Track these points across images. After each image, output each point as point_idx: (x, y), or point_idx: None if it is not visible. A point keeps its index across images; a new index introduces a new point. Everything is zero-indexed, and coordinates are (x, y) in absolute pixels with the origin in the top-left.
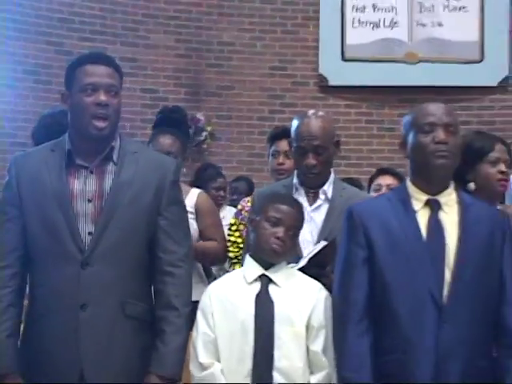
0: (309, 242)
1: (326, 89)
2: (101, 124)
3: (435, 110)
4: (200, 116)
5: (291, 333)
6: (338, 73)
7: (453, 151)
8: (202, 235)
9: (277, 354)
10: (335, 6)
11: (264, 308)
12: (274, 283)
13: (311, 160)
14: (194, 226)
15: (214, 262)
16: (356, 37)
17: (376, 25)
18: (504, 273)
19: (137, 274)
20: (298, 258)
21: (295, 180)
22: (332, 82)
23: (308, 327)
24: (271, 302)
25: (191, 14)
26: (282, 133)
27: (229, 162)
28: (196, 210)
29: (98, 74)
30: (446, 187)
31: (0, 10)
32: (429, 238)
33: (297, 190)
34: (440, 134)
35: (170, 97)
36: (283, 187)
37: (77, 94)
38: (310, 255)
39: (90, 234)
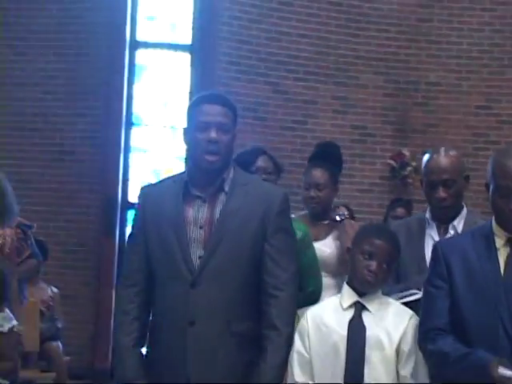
0: None
1: None
2: (211, 158)
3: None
4: (405, 152)
5: (381, 356)
6: None
7: None
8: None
9: (366, 375)
10: None
11: (356, 332)
12: (368, 310)
13: (441, 193)
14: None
15: None
16: None
17: None
18: None
19: (242, 294)
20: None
21: (427, 214)
22: None
23: (398, 352)
24: (363, 327)
25: (399, 56)
26: None
27: None
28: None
29: (212, 113)
30: None
31: (224, 54)
32: (506, 275)
33: (429, 224)
34: None
35: (377, 133)
36: (417, 221)
37: (192, 131)
38: (405, 299)
39: (200, 257)
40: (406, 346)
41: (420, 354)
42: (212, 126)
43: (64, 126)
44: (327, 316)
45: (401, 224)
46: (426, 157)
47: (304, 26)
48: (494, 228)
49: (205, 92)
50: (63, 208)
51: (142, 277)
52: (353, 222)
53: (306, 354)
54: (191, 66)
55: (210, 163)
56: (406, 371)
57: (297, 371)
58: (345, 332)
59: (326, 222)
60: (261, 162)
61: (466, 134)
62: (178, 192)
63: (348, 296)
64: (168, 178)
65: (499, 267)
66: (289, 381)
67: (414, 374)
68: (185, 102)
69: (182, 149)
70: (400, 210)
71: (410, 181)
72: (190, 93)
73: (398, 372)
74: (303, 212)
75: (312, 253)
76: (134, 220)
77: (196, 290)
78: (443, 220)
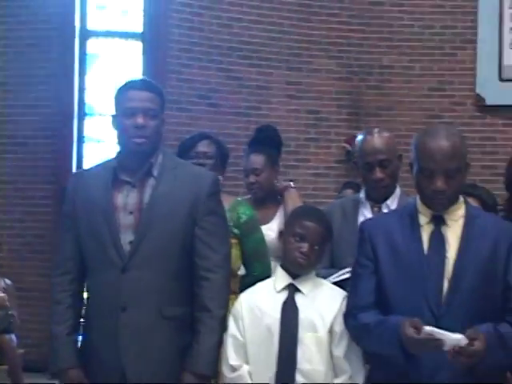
0: None
1: (484, 108)
2: (139, 140)
3: (437, 152)
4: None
5: (314, 338)
6: (495, 93)
7: (451, 197)
8: None
9: (300, 357)
10: (493, 28)
11: (289, 314)
12: (301, 292)
13: (378, 174)
14: None
15: None
16: None
17: None
18: (509, 283)
19: (175, 279)
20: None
21: (362, 194)
22: (489, 101)
23: (331, 333)
24: (296, 309)
25: (352, 40)
26: None
27: None
28: None
29: (138, 99)
30: (452, 205)
31: (176, 42)
32: (429, 252)
33: (362, 203)
34: (438, 183)
35: (331, 117)
36: (351, 202)
37: (120, 117)
38: (337, 279)
39: (130, 242)
40: (339, 327)
41: None
42: (139, 112)
43: (16, 117)
44: (261, 299)
45: (335, 205)
46: (360, 138)
47: (256, 12)
48: (419, 206)
49: (132, 78)
50: (18, 200)
51: (73, 264)
52: (293, 190)
53: (240, 337)
54: (143, 54)
55: (138, 145)
56: (338, 351)
57: (231, 354)
58: (278, 314)
59: (271, 206)
60: (201, 146)
61: (420, 116)
62: (107, 178)
63: (281, 278)
64: (98, 165)
65: (422, 244)
66: (223, 364)
67: (347, 354)
68: None
69: None
70: (349, 192)
71: None
72: None
73: (331, 353)
74: (247, 197)
75: (257, 237)
76: (63, 207)
77: (127, 275)
78: (378, 200)
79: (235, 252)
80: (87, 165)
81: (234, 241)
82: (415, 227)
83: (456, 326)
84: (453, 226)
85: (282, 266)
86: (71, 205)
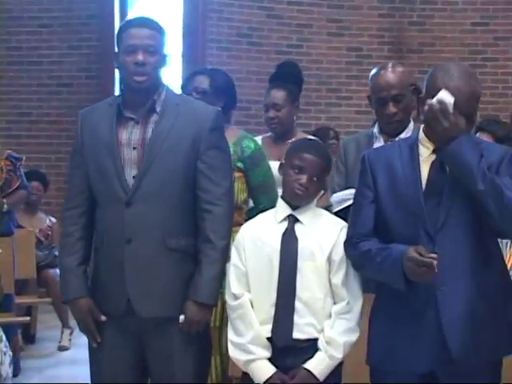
0: None
1: None
2: (139, 78)
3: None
4: None
5: (312, 266)
6: None
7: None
8: None
9: (299, 285)
10: None
11: (289, 244)
12: (301, 222)
13: (391, 108)
14: None
15: None
16: None
17: None
18: None
19: (178, 211)
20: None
21: (376, 129)
22: None
23: (330, 261)
24: (295, 239)
25: None
26: None
27: None
28: None
29: (139, 36)
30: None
31: None
32: (428, 182)
33: (376, 138)
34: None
35: (373, 54)
36: (366, 136)
37: (121, 54)
38: (342, 206)
39: (134, 177)
40: (337, 256)
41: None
42: (139, 49)
43: (60, 58)
44: (262, 230)
45: (350, 139)
46: (373, 73)
47: None
48: (421, 138)
49: (133, 16)
50: (63, 140)
51: (83, 198)
52: None
53: (242, 267)
54: None
55: (138, 83)
56: (336, 279)
57: (233, 283)
58: (278, 244)
59: (290, 141)
60: (195, 81)
61: (463, 52)
62: (111, 115)
63: (281, 209)
64: (104, 102)
65: (420, 176)
66: (226, 292)
67: (345, 282)
68: (178, 31)
69: (177, 77)
70: None
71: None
72: (183, 21)
73: (330, 281)
74: (268, 134)
75: (263, 170)
76: (74, 144)
77: (131, 208)
78: (391, 134)
79: (239, 185)
80: None
81: (238, 174)
82: (415, 158)
83: (451, 249)
84: None
85: (283, 198)
86: (79, 141)
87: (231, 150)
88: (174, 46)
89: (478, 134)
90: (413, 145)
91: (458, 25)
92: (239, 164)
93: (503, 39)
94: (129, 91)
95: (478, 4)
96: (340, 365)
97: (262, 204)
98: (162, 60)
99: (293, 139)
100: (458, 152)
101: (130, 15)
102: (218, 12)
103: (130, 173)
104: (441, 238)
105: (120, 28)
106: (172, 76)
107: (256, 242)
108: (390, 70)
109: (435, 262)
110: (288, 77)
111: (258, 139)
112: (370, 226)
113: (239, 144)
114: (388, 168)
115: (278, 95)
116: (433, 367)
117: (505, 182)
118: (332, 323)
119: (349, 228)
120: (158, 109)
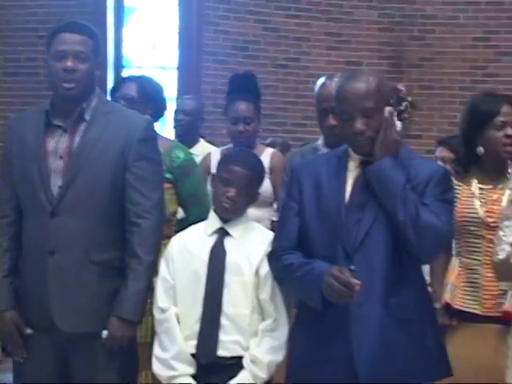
0: None
1: None
2: (67, 85)
3: (351, 94)
4: (401, 86)
5: (240, 282)
6: None
7: (371, 136)
8: (274, 192)
9: (225, 301)
10: None
11: (217, 258)
12: (231, 236)
13: (331, 121)
14: (266, 183)
15: None
16: None
17: None
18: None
19: (104, 223)
20: None
21: (320, 141)
22: None
23: (258, 276)
24: (224, 253)
25: None
26: None
27: (429, 131)
28: (270, 168)
29: (69, 41)
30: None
31: None
32: (351, 197)
33: (320, 151)
34: (357, 124)
35: (372, 69)
36: (311, 149)
37: (51, 60)
38: None
39: (59, 187)
40: (264, 270)
41: None
42: (68, 55)
43: None
44: (191, 242)
45: (295, 153)
46: (319, 83)
47: None
48: (350, 150)
49: (65, 21)
50: None
51: (11, 207)
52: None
53: (170, 280)
54: (179, 5)
55: (67, 90)
56: (264, 295)
57: (160, 296)
58: (206, 258)
59: None
60: (123, 88)
61: (464, 67)
62: (40, 122)
63: (212, 222)
64: (33, 109)
65: (345, 189)
66: (154, 306)
67: (273, 297)
68: (174, 43)
69: (172, 90)
70: None
71: (406, 116)
72: (179, 33)
73: (258, 296)
74: (227, 146)
75: (193, 181)
76: (2, 151)
77: (55, 219)
78: (334, 147)
79: (169, 196)
80: None
81: (166, 185)
82: (341, 171)
83: (371, 266)
84: None
85: (214, 211)
86: (8, 149)
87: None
88: (169, 59)
89: (439, 149)
90: (341, 157)
91: (459, 40)
92: (168, 175)
93: (505, 54)
94: (57, 98)
95: (479, 19)
96: None
97: (193, 215)
98: (93, 67)
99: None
100: (385, 172)
101: (126, 28)
102: (214, 24)
103: (56, 183)
104: (358, 257)
105: (50, 33)
106: (167, 89)
107: (185, 254)
108: (335, 81)
109: (357, 287)
110: (248, 88)
111: (217, 152)
112: (293, 238)
113: (168, 154)
114: (315, 180)
115: (249, 108)
116: None
117: (427, 202)
118: (258, 341)
119: (274, 240)
120: (88, 117)
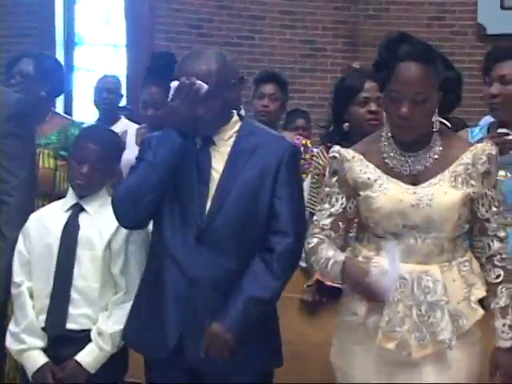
0: None
1: (484, 37)
2: None
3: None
4: (356, 65)
5: (90, 255)
6: (496, 21)
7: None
8: None
9: (76, 274)
10: None
11: (69, 233)
12: (86, 211)
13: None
14: None
15: None
16: None
17: None
18: (276, 201)
19: None
20: None
21: None
22: (490, 30)
23: (110, 250)
24: (77, 227)
25: None
26: (268, 76)
27: None
28: None
29: None
30: (224, 123)
31: None
32: (199, 171)
33: None
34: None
35: (327, 47)
36: None
37: None
38: None
39: None
40: (116, 245)
41: (131, 251)
42: None
43: (7, 46)
44: (48, 217)
45: None
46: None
47: None
48: None
49: None
50: None
51: None
52: None
53: (26, 254)
54: None
55: None
56: (115, 269)
57: (16, 270)
58: (59, 233)
59: None
60: (20, 64)
61: None
62: None
63: (69, 198)
64: None
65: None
66: (12, 281)
67: (123, 271)
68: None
69: (123, 67)
70: (300, 121)
71: None
72: (127, 8)
73: (110, 270)
74: (143, 125)
75: None
76: None
77: None
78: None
79: (62, 174)
80: (77, 94)
81: (60, 162)
82: (194, 148)
83: (216, 242)
84: (222, 145)
85: (72, 187)
86: None
87: (54, 138)
88: (118, 35)
89: None
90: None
91: (414, 19)
92: (62, 152)
93: (460, 34)
94: None
95: None
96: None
97: None
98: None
99: None
100: None
101: (78, 6)
102: (167, 2)
103: None
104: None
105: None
106: (117, 66)
107: (40, 229)
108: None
109: None
110: (165, 70)
111: (133, 129)
112: None
113: (64, 132)
114: None
115: (159, 92)
116: None
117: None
118: (109, 314)
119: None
120: None
